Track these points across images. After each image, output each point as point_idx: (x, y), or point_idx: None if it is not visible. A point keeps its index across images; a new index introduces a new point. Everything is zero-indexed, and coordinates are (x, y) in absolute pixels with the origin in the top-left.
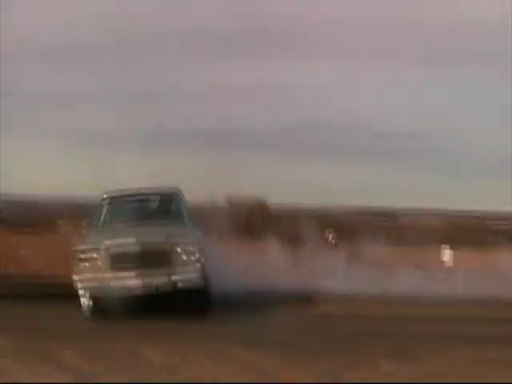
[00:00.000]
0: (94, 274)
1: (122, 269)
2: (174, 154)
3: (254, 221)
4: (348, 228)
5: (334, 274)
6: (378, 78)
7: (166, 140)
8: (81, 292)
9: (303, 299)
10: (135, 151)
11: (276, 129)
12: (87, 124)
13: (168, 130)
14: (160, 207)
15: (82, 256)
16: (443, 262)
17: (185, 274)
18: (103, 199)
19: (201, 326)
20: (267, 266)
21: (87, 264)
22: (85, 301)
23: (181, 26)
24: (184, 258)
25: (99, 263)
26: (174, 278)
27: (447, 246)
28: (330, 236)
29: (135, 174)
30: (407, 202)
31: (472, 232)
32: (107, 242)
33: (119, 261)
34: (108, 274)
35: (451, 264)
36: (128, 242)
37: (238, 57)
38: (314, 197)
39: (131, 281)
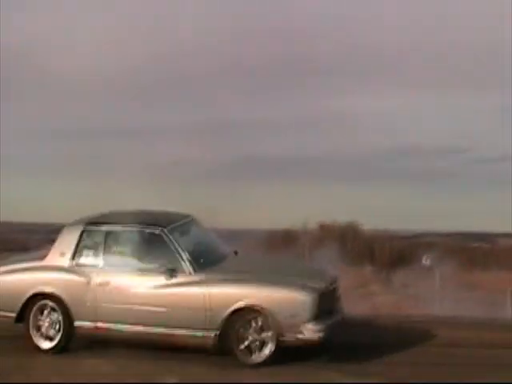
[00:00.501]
0: None
1: None
2: (265, 180)
3: (346, 246)
4: (444, 252)
5: (436, 298)
6: (471, 103)
7: (256, 166)
8: None
9: (412, 325)
10: (222, 178)
11: (365, 154)
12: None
13: (256, 158)
14: None
15: None
16: None
17: None
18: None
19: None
20: (365, 290)
21: None
22: None
23: (256, 54)
24: None
25: None
26: None
27: None
28: (428, 260)
29: (223, 199)
30: (505, 226)
31: None
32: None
33: None
34: None
35: None
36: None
37: (318, 84)
38: (406, 221)
39: None
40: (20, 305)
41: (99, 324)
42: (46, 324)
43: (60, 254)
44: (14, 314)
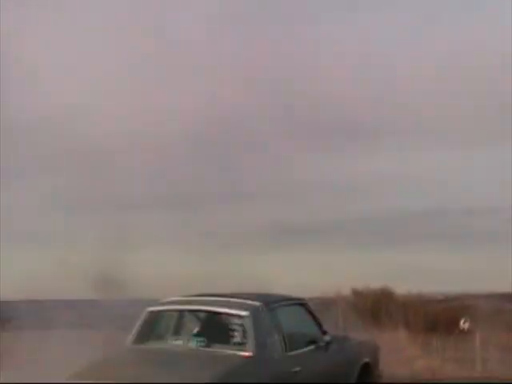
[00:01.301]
0: None
1: None
2: (293, 246)
3: (380, 311)
4: (481, 314)
5: (477, 359)
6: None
7: (281, 233)
8: None
9: None
10: (250, 245)
11: (398, 216)
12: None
13: (282, 224)
14: None
15: None
16: None
17: None
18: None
19: None
20: (403, 355)
21: None
22: None
23: (284, 115)
24: None
25: None
26: None
27: None
28: (466, 323)
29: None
30: None
31: None
32: None
33: None
34: None
35: None
36: None
37: (353, 147)
38: (439, 284)
39: None
40: None
41: None
42: None
43: None
44: None
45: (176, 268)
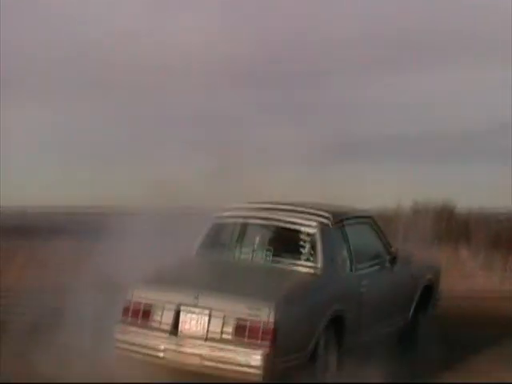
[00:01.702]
0: None
1: None
2: (355, 161)
3: (441, 226)
4: None
5: None
6: None
7: (345, 148)
8: None
9: None
10: (311, 161)
11: (462, 132)
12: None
13: (345, 139)
14: None
15: None
16: None
17: None
18: None
19: None
20: (464, 271)
21: None
22: None
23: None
24: None
25: None
26: None
27: None
28: None
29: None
30: None
31: None
32: None
33: None
34: None
35: None
36: None
37: (409, 60)
38: (502, 199)
39: None
40: None
41: None
42: None
43: None
44: None
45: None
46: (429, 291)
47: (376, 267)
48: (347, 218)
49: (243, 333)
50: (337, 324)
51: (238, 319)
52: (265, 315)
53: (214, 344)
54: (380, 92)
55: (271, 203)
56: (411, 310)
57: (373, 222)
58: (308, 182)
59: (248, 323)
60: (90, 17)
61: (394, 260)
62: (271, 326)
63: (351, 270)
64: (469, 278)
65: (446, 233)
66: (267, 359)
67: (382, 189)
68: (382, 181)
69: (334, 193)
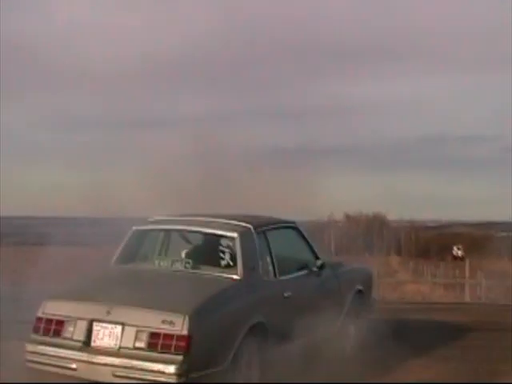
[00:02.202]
0: None
1: None
2: (289, 170)
3: (372, 236)
4: (470, 241)
5: (464, 287)
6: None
7: (280, 156)
8: None
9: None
10: (261, 169)
11: (395, 143)
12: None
13: (280, 148)
14: None
15: None
16: None
17: None
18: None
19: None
20: (394, 279)
21: None
22: None
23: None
24: None
25: None
26: None
27: None
28: (459, 252)
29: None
30: None
31: None
32: None
33: None
34: None
35: None
36: None
37: (345, 70)
38: (431, 211)
39: None
40: None
41: None
42: None
43: None
44: None
45: (175, 187)
46: (361, 297)
47: (302, 273)
48: (268, 226)
49: (156, 345)
50: (258, 332)
51: (152, 332)
52: (178, 326)
53: (127, 355)
54: (317, 102)
55: (193, 215)
56: (341, 317)
57: (297, 230)
58: (234, 192)
59: (161, 335)
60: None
61: (321, 266)
62: (185, 336)
63: (274, 276)
64: (400, 287)
65: (378, 242)
66: (181, 369)
67: (315, 199)
68: (315, 191)
69: (263, 203)
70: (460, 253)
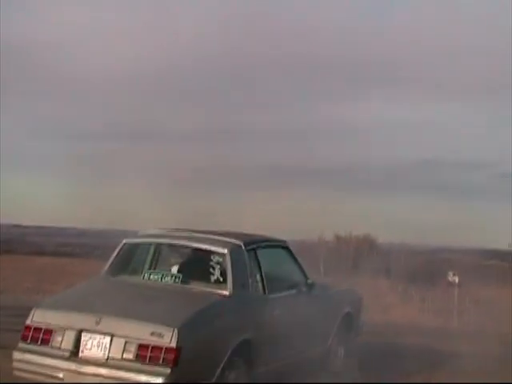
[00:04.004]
0: None
1: None
2: (281, 190)
3: (362, 258)
4: (460, 268)
5: (453, 312)
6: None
7: (272, 176)
8: None
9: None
10: (252, 187)
11: (386, 166)
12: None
13: (271, 167)
14: None
15: None
16: None
17: None
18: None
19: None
20: (382, 302)
21: None
22: None
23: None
24: None
25: None
26: None
27: None
28: (456, 277)
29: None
30: None
31: None
32: None
33: None
34: None
35: None
36: None
37: (341, 91)
38: (422, 236)
39: None
40: None
41: None
42: None
43: None
44: None
45: (167, 201)
46: (350, 319)
47: (291, 292)
48: (259, 244)
49: (145, 356)
50: (246, 349)
51: (140, 344)
52: (167, 339)
53: (115, 366)
54: (313, 123)
55: (184, 230)
56: (330, 337)
57: (287, 249)
58: (224, 209)
59: (150, 347)
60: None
61: (311, 286)
62: (173, 349)
63: (264, 294)
64: (388, 310)
65: (367, 265)
66: (169, 381)
67: (304, 220)
68: (305, 211)
69: (253, 222)
70: (456, 279)
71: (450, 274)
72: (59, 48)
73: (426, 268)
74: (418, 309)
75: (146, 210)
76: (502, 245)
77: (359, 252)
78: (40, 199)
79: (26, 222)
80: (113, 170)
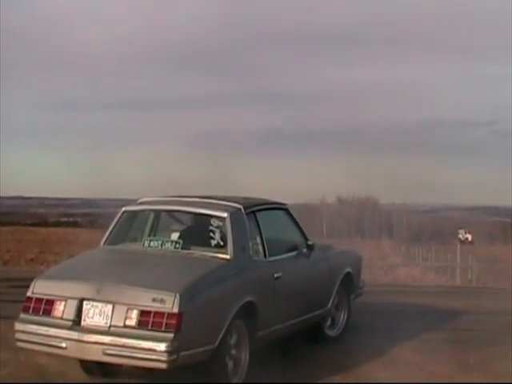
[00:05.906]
0: None
1: None
2: (284, 154)
3: (364, 219)
4: (464, 226)
5: (456, 271)
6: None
7: (274, 140)
8: None
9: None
10: (254, 152)
11: (388, 127)
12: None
13: (274, 131)
14: None
15: None
16: None
17: None
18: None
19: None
20: (386, 263)
21: None
22: None
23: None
24: None
25: None
26: None
27: None
28: (468, 235)
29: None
30: None
31: None
32: None
33: None
34: None
35: None
36: None
37: (340, 55)
38: (426, 196)
39: None
40: None
41: None
42: None
43: None
44: None
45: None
46: (350, 279)
47: (292, 255)
48: (258, 207)
49: (147, 323)
50: (248, 312)
51: (142, 310)
52: (169, 305)
53: (118, 333)
54: (311, 85)
55: (183, 196)
56: (331, 298)
57: (287, 211)
58: (226, 174)
59: (152, 313)
60: None
61: (311, 248)
62: (176, 314)
63: (264, 257)
64: (390, 270)
65: (369, 226)
66: (172, 347)
67: (307, 182)
68: (307, 174)
69: (256, 186)
70: (468, 236)
71: (462, 231)
72: (59, 22)
73: (428, 227)
74: (421, 267)
75: (149, 179)
76: (504, 201)
77: (362, 213)
78: (41, 171)
79: (27, 193)
80: (114, 139)
